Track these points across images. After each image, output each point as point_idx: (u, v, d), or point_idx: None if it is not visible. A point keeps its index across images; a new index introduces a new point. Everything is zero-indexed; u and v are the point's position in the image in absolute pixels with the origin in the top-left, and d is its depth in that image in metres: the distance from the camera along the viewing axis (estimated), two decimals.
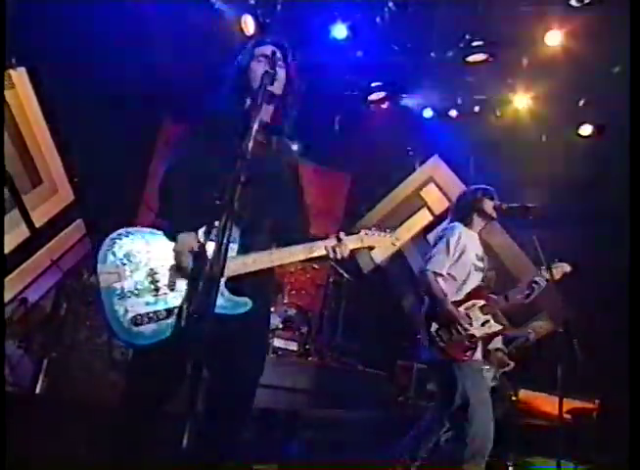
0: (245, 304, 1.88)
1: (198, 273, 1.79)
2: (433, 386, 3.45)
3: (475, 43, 5.60)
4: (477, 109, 6.65)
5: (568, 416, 4.39)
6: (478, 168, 6.89)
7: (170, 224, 1.93)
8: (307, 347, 5.93)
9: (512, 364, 3.61)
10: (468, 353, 2.83)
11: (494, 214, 3.15)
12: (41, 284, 5.78)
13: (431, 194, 7.79)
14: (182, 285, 1.87)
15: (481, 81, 6.30)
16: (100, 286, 1.83)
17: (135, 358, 2.09)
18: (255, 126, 1.70)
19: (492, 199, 3.17)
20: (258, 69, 2.01)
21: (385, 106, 6.97)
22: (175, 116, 6.30)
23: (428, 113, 6.95)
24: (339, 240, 1.95)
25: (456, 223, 3.16)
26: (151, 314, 1.82)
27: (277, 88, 2.03)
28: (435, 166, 7.89)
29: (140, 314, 1.82)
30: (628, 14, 2.98)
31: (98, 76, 5.50)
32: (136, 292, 1.84)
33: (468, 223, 3.16)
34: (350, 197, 8.21)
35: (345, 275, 6.62)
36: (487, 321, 2.91)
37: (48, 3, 4.89)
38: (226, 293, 1.85)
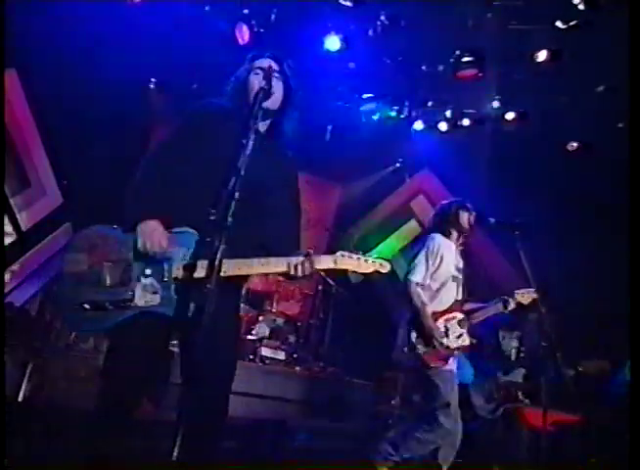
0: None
1: (189, 286, 1.81)
2: (418, 396, 3.53)
3: (465, 58, 5.71)
4: (466, 122, 6.75)
5: (551, 428, 4.42)
6: (466, 181, 6.97)
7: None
8: (295, 356, 5.91)
9: (526, 401, 3.69)
10: (441, 362, 2.98)
11: (467, 227, 3.27)
12: (27, 288, 5.71)
13: (420, 206, 7.87)
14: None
15: (471, 96, 6.41)
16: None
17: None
18: (250, 144, 1.69)
19: (468, 211, 3.29)
20: (255, 82, 2.01)
21: (375, 117, 7.04)
22: (166, 119, 6.28)
23: (418, 125, 7.03)
24: (307, 256, 1.86)
25: (435, 234, 3.27)
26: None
27: (273, 103, 2.02)
28: (425, 179, 7.97)
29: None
30: (627, 23, 3.04)
31: (87, 78, 5.48)
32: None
33: (446, 235, 3.28)
34: (340, 207, 8.25)
35: (334, 285, 6.62)
36: (462, 335, 3.05)
37: (35, 4, 4.89)
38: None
